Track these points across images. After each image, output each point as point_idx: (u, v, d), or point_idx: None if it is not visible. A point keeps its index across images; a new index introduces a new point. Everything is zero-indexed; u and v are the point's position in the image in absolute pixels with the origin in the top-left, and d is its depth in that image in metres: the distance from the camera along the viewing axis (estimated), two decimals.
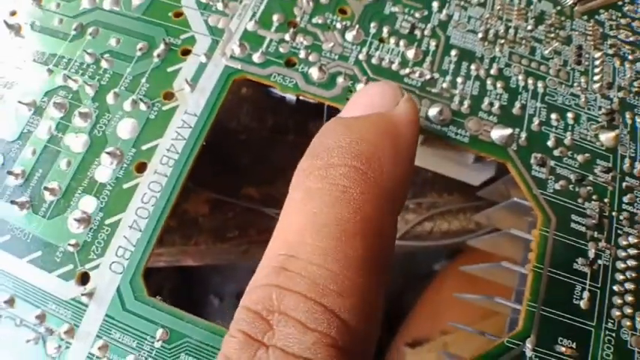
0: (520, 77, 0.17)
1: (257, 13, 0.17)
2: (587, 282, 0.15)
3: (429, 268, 0.28)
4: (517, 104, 0.17)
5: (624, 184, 0.16)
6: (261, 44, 0.17)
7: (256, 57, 0.17)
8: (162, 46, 0.17)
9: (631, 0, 0.20)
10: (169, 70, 0.17)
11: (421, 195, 0.22)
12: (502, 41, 0.18)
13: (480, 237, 0.19)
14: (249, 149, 0.22)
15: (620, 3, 0.20)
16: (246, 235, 0.20)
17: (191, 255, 0.20)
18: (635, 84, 0.18)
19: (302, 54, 0.17)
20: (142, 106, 0.16)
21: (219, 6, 0.18)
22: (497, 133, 0.16)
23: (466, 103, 0.16)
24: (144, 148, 0.16)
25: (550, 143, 0.16)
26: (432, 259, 0.28)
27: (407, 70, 0.17)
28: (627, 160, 0.17)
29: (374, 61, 0.17)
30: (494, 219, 0.19)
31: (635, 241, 0.15)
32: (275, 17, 0.17)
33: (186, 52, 0.17)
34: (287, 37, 0.17)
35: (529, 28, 0.18)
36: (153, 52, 0.17)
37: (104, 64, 0.17)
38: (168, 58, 0.17)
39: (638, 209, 0.16)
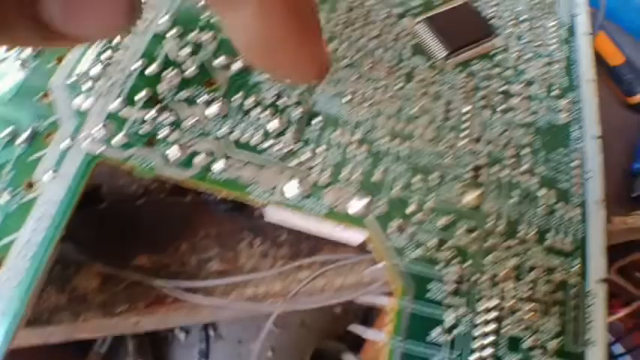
0: (384, 140, 0.17)
1: (123, 91, 0.18)
2: (446, 351, 0.15)
3: None
4: (379, 169, 0.17)
5: (487, 243, 0.16)
6: (123, 125, 0.17)
7: (118, 139, 0.17)
8: (25, 133, 0.17)
9: (504, 48, 0.20)
10: (32, 158, 0.17)
11: (317, 251, 0.22)
12: (368, 103, 0.18)
13: (367, 294, 0.19)
14: (145, 215, 0.22)
15: (492, 52, 0.20)
16: (135, 308, 0.20)
17: (82, 331, 0.20)
18: (504, 135, 0.18)
19: (163, 133, 0.17)
20: (5, 197, 0.16)
21: (86, 86, 0.18)
22: (355, 203, 0.16)
23: (326, 173, 0.17)
24: (0, 243, 0.16)
25: (411, 208, 0.16)
26: None
27: (269, 142, 0.17)
28: (491, 218, 0.17)
29: (236, 135, 0.17)
30: (379, 275, 0.19)
31: (496, 303, 0.16)
32: (140, 95, 0.17)
33: (50, 138, 0.17)
34: (150, 115, 0.17)
35: (398, 86, 0.18)
36: (17, 138, 0.17)
37: None
38: (32, 145, 0.17)
39: (500, 270, 0.16)
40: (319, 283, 0.22)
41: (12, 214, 0.16)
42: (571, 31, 0.22)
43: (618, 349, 0.59)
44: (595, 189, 0.18)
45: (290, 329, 0.60)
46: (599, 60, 0.34)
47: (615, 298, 0.54)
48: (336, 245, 0.22)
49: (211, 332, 0.64)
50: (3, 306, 0.15)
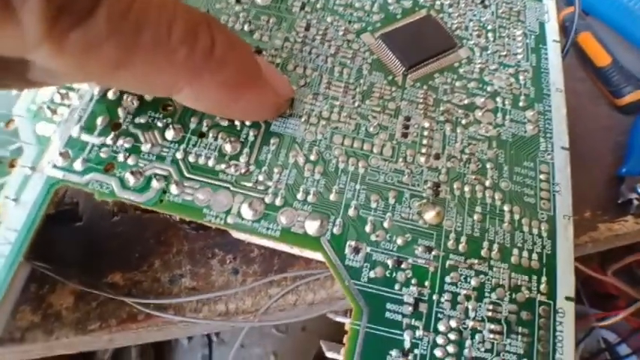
0: (340, 159, 0.17)
1: (83, 117, 0.18)
2: None
3: None
4: (334, 189, 0.17)
5: (448, 262, 0.16)
6: (83, 150, 0.17)
7: (78, 164, 0.17)
8: None
9: (468, 60, 0.20)
10: None
11: (288, 266, 0.22)
12: (324, 122, 0.18)
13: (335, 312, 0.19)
14: (120, 231, 0.22)
15: (456, 65, 0.20)
16: (107, 326, 0.20)
17: (58, 348, 0.21)
18: (467, 150, 0.18)
19: (121, 157, 0.17)
20: None
21: (48, 113, 0.18)
22: (310, 224, 0.16)
23: (280, 194, 0.16)
24: None
25: (367, 228, 0.16)
26: None
27: (223, 166, 0.17)
28: (452, 236, 0.17)
29: (191, 158, 0.17)
30: None
31: (456, 324, 0.15)
32: (99, 120, 0.18)
33: (13, 165, 0.18)
34: (109, 140, 0.17)
35: (355, 104, 0.18)
36: None
37: None
38: None
39: (461, 288, 0.16)
40: (290, 298, 0.22)
41: None
42: (539, 39, 0.21)
43: (624, 349, 0.57)
44: (564, 203, 0.18)
45: (292, 333, 0.61)
46: (586, 61, 0.33)
47: (615, 299, 0.53)
48: (308, 260, 0.22)
49: (214, 337, 0.65)
50: None
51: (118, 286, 0.21)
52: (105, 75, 0.12)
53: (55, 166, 0.17)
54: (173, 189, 0.16)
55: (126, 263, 0.22)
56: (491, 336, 0.15)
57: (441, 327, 0.15)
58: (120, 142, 0.17)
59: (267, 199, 0.16)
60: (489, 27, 0.21)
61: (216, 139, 0.17)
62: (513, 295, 0.16)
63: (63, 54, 0.10)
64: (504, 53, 0.20)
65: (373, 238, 0.16)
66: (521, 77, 0.20)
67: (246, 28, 0.20)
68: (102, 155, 0.17)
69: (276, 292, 0.21)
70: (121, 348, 0.59)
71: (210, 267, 0.22)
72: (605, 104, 0.31)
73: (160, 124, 0.18)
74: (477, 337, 0.15)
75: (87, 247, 0.22)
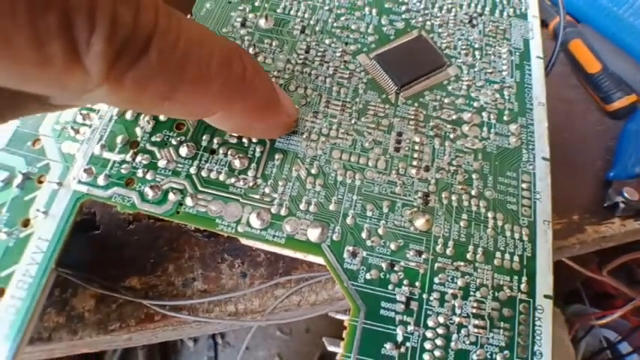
0: (339, 172, 0.19)
1: (104, 136, 0.20)
2: None
3: None
4: (333, 199, 0.18)
5: (436, 264, 0.18)
6: (105, 167, 0.19)
7: (101, 180, 0.19)
8: (20, 177, 0.19)
9: (456, 78, 0.21)
10: (26, 198, 0.19)
11: (292, 269, 0.24)
12: (324, 138, 0.20)
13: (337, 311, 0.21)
14: (135, 239, 0.24)
15: (445, 82, 0.21)
16: (127, 326, 0.22)
17: (81, 347, 0.23)
18: (454, 162, 0.20)
19: (140, 173, 0.19)
20: (2, 235, 0.18)
21: (71, 132, 0.20)
22: (312, 232, 0.18)
23: (285, 205, 0.18)
24: (2, 274, 0.18)
25: (363, 234, 0.18)
26: None
27: (232, 179, 0.19)
28: (440, 241, 0.18)
29: (203, 173, 0.19)
30: None
31: (444, 319, 0.17)
32: (119, 139, 0.19)
33: (42, 180, 0.19)
34: (128, 157, 0.19)
35: (352, 121, 0.20)
36: (13, 182, 0.19)
37: None
38: (26, 187, 0.19)
39: (449, 288, 0.18)
40: (295, 299, 0.23)
41: (11, 249, 0.18)
42: (524, 55, 0.23)
43: (625, 347, 0.59)
44: (544, 210, 0.19)
45: (295, 335, 0.62)
46: (577, 67, 0.35)
47: (614, 299, 0.55)
48: (310, 264, 0.23)
49: (219, 340, 0.67)
50: (6, 330, 0.17)
51: (135, 290, 0.23)
52: (153, 106, 0.13)
53: (80, 182, 0.19)
54: (188, 201, 0.18)
55: (142, 268, 0.23)
56: (476, 330, 0.17)
57: (430, 322, 0.17)
58: (138, 158, 0.19)
59: (274, 210, 0.18)
60: (476, 45, 0.23)
61: (226, 155, 0.19)
62: (496, 294, 0.18)
63: (120, 91, 0.11)
64: (490, 70, 0.22)
65: (369, 243, 0.18)
66: (505, 93, 0.22)
67: (251, 50, 0.22)
68: (122, 171, 0.19)
69: (281, 294, 0.22)
70: (129, 350, 0.61)
71: (220, 271, 0.24)
72: (595, 110, 0.33)
73: (174, 142, 0.19)
74: (463, 331, 0.17)
75: (105, 254, 0.24)
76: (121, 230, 0.25)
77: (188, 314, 0.22)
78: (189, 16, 0.22)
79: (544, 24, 0.35)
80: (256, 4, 0.23)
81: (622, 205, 0.27)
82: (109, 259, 0.24)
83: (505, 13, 0.24)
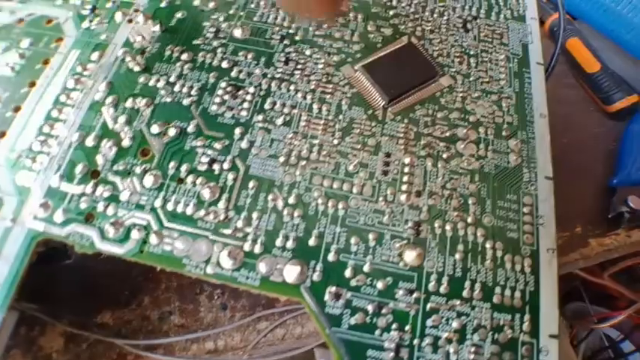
0: (320, 201, 0.17)
1: (62, 166, 0.18)
2: None
3: None
4: (314, 233, 0.17)
5: (429, 305, 0.16)
6: (63, 200, 0.17)
7: (58, 215, 0.17)
8: None
9: (450, 89, 0.19)
10: None
11: (275, 300, 0.22)
12: (304, 163, 0.18)
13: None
14: (108, 269, 0.22)
15: (438, 94, 0.19)
16: None
17: None
18: (448, 185, 0.18)
19: (100, 207, 0.17)
20: None
21: (28, 162, 0.18)
22: (289, 271, 0.16)
23: (260, 240, 0.16)
24: None
25: (347, 273, 0.16)
26: None
27: (202, 212, 0.17)
28: (434, 277, 0.16)
29: (169, 206, 0.17)
30: None
31: None
32: (78, 168, 0.18)
33: None
34: (88, 189, 0.17)
35: (335, 142, 0.18)
36: None
37: None
38: None
39: (443, 331, 0.16)
40: (279, 332, 0.22)
41: None
42: (523, 62, 0.21)
43: (627, 346, 0.57)
44: (547, 235, 0.18)
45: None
46: (576, 67, 0.32)
47: (617, 300, 0.53)
48: None
49: None
50: None
51: (107, 326, 0.21)
52: None
53: (35, 217, 0.17)
54: (152, 239, 0.16)
55: (115, 301, 0.22)
56: None
57: None
58: (99, 190, 0.17)
59: (247, 247, 0.16)
60: (471, 52, 0.21)
61: (194, 184, 0.17)
62: (495, 336, 0.16)
63: None
64: (487, 79, 0.20)
65: (354, 283, 0.16)
66: (504, 104, 0.20)
67: (224, 64, 0.20)
68: (82, 205, 0.17)
69: (264, 327, 0.21)
70: None
71: (199, 303, 0.22)
72: (595, 111, 0.31)
73: (138, 171, 0.17)
74: None
75: (76, 286, 0.22)
76: (94, 260, 0.23)
77: (164, 353, 0.21)
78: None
79: (539, 22, 0.33)
80: (231, 12, 0.22)
81: (627, 216, 0.25)
82: (80, 291, 0.22)
83: (502, 16, 0.22)
